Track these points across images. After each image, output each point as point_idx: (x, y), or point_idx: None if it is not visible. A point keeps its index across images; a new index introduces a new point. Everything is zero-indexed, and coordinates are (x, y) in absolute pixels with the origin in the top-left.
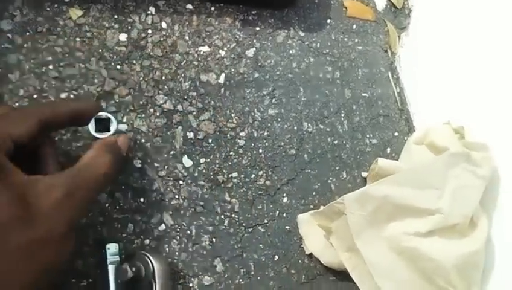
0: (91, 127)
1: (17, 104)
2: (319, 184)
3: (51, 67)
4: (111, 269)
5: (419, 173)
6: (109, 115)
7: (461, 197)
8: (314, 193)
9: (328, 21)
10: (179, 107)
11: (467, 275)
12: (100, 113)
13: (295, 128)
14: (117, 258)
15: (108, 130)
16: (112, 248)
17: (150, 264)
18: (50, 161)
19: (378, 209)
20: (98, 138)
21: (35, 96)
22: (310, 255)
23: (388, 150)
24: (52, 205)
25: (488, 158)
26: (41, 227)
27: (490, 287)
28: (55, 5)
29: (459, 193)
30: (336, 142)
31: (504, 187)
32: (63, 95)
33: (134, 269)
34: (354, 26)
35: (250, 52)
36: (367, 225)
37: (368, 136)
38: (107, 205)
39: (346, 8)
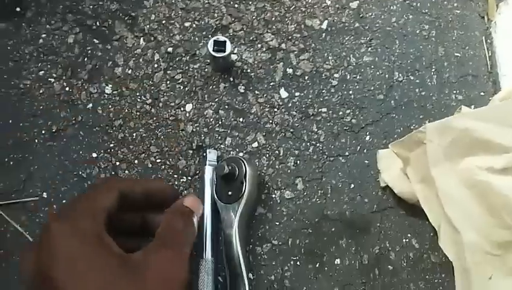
0: (210, 46)
1: (148, 26)
2: (401, 128)
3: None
4: (208, 169)
5: (500, 110)
6: (225, 39)
7: None
8: (396, 136)
9: None
10: (283, 45)
11: None
12: (218, 36)
13: (386, 76)
14: (214, 162)
15: (224, 52)
16: (212, 153)
17: (244, 168)
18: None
19: (457, 140)
20: (215, 57)
21: (163, 22)
22: (385, 188)
23: (473, 107)
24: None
25: None
26: None
27: None
28: None
29: None
30: (423, 93)
31: None
32: (187, 24)
33: (230, 167)
34: None
35: (354, 4)
36: (445, 155)
37: (454, 92)
38: (211, 119)
39: None
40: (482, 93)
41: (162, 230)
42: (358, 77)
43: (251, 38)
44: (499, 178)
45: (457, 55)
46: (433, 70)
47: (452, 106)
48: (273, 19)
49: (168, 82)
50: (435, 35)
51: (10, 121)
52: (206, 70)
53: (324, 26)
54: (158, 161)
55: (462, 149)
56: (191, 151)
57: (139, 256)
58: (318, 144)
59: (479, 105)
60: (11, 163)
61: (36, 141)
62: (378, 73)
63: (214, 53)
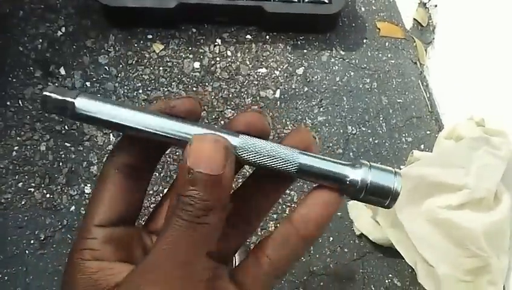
0: None
1: None
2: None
3: (140, 91)
4: None
5: (447, 155)
6: None
7: (484, 174)
8: None
9: (364, 41)
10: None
11: (495, 242)
12: None
13: (341, 131)
14: None
15: None
16: None
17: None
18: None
19: (416, 187)
20: None
21: None
22: (360, 236)
23: (422, 146)
24: None
25: (506, 143)
26: None
27: None
28: (141, 42)
29: (482, 171)
30: (376, 141)
31: None
32: None
33: None
34: (387, 44)
35: (300, 71)
36: (407, 201)
37: (403, 135)
38: None
39: (379, 29)
40: (428, 132)
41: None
42: (316, 137)
43: (213, 116)
44: (457, 213)
45: (400, 101)
46: (381, 118)
47: (404, 148)
48: (230, 95)
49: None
50: (377, 86)
51: None
52: (177, 154)
53: (277, 94)
54: None
55: (421, 193)
56: None
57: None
58: (293, 205)
59: (427, 143)
60: (6, 278)
61: (27, 252)
62: (333, 129)
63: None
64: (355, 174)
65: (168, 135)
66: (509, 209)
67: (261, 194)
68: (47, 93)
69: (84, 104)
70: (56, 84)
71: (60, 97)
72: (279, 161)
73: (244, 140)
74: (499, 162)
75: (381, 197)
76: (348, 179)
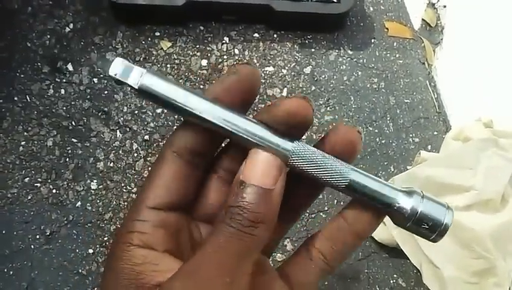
0: None
1: (122, 118)
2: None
3: None
4: None
5: (454, 155)
6: None
7: (492, 176)
8: None
9: (372, 40)
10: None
11: (502, 244)
12: None
13: None
14: None
15: None
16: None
17: None
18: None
19: (422, 187)
20: None
21: (136, 112)
22: None
23: (429, 147)
24: None
25: None
26: None
27: None
28: (149, 39)
29: (490, 172)
30: (383, 141)
31: None
32: (159, 110)
33: None
34: (395, 44)
35: (308, 70)
36: None
37: (411, 135)
38: None
39: (387, 28)
40: (435, 133)
41: None
42: (323, 135)
43: None
44: (464, 214)
45: (407, 102)
46: (388, 119)
47: (411, 149)
48: None
49: (149, 168)
50: (384, 86)
51: (4, 232)
52: None
53: (284, 93)
54: None
55: (429, 193)
56: None
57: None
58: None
59: (434, 144)
60: (11, 273)
61: (32, 246)
62: None
63: None
64: (405, 202)
65: (232, 130)
66: None
67: (304, 187)
68: (120, 58)
69: (151, 80)
70: (64, 80)
71: (131, 65)
72: (330, 173)
73: (298, 146)
74: (507, 163)
75: (428, 229)
76: (397, 206)
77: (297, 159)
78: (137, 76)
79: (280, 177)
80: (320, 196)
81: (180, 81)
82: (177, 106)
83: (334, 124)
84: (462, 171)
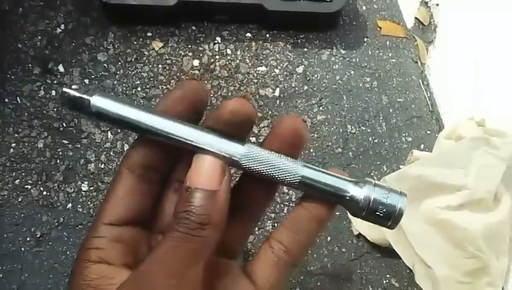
0: None
1: None
2: (363, 177)
3: (139, 89)
4: None
5: (446, 155)
6: None
7: (484, 175)
8: None
9: (365, 39)
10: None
11: (494, 243)
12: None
13: (340, 130)
14: None
15: None
16: None
17: None
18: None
19: (414, 187)
20: None
21: None
22: (358, 236)
23: (422, 146)
24: None
25: (506, 143)
26: None
27: None
28: (141, 39)
29: (482, 172)
30: (376, 141)
31: None
32: None
33: None
34: (388, 42)
35: (300, 69)
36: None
37: (403, 134)
38: None
39: (380, 27)
40: (428, 132)
41: None
42: (316, 135)
43: None
44: (457, 214)
45: (400, 101)
46: (381, 118)
47: (404, 148)
48: (229, 94)
49: None
50: (377, 85)
51: None
52: None
53: (277, 93)
54: None
55: (420, 194)
56: None
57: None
58: (291, 204)
59: (427, 144)
60: (1, 276)
61: (22, 249)
62: (332, 129)
63: None
64: (357, 192)
65: (182, 140)
66: (508, 211)
67: (261, 185)
68: (66, 90)
69: (100, 102)
70: (55, 81)
71: (77, 94)
72: (282, 172)
73: (248, 149)
74: (499, 162)
75: (383, 216)
76: (349, 195)
77: (248, 161)
78: (86, 103)
79: (224, 179)
80: None
81: (172, 81)
82: (125, 122)
83: (326, 124)
84: (454, 171)
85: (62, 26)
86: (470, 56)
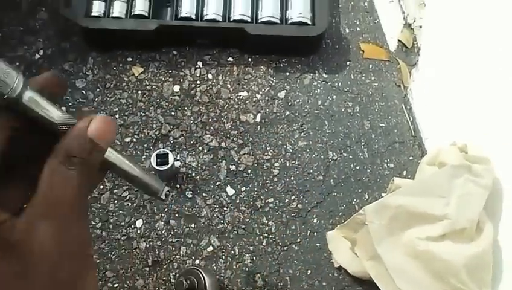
0: (153, 161)
1: None
2: (344, 205)
3: (117, 116)
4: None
5: (427, 183)
6: (167, 151)
7: (466, 204)
8: (340, 214)
9: (348, 63)
10: (223, 144)
11: (477, 275)
12: (160, 150)
13: (322, 157)
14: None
15: (167, 163)
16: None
17: (202, 278)
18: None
19: (394, 217)
20: (160, 170)
21: None
22: (339, 268)
23: (404, 172)
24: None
25: (489, 169)
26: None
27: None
28: (120, 64)
29: (464, 200)
30: (358, 167)
31: (506, 195)
32: (127, 139)
33: (189, 281)
34: (370, 66)
35: (282, 94)
36: (386, 232)
37: (385, 161)
38: (163, 231)
39: (363, 50)
40: (411, 158)
41: (41, 192)
42: (297, 162)
43: (191, 142)
44: (438, 245)
45: (382, 126)
46: (363, 144)
47: (386, 174)
48: (210, 120)
49: (115, 201)
50: (359, 110)
51: None
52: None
53: (258, 119)
54: (116, 285)
55: (401, 224)
56: (147, 269)
57: (22, 225)
58: (271, 236)
59: (410, 170)
60: None
61: None
62: (314, 155)
63: (157, 167)
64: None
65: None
66: (491, 239)
67: (31, 142)
68: None
69: None
70: None
71: None
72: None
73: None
74: (481, 190)
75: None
76: None
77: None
78: None
79: None
80: (293, 227)
81: (151, 108)
82: None
83: (307, 150)
84: (435, 200)
85: (41, 52)
86: (453, 79)
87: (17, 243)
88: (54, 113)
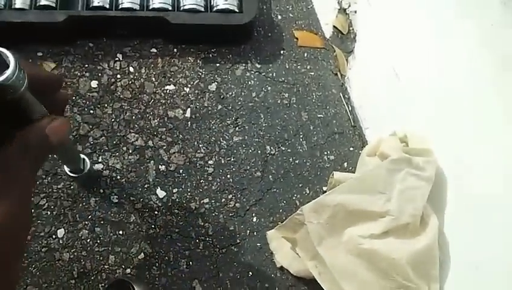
0: (66, 168)
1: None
2: (284, 202)
3: None
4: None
5: (366, 179)
6: (84, 157)
7: (408, 198)
8: (281, 211)
9: (282, 52)
10: (150, 143)
11: (424, 270)
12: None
13: (259, 152)
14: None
15: (83, 171)
16: None
17: (132, 289)
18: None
19: (333, 216)
20: (75, 177)
21: None
22: (281, 268)
23: (345, 164)
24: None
25: (431, 161)
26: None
27: (449, 282)
28: (30, 60)
29: (405, 195)
30: (297, 161)
31: (449, 186)
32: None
33: None
34: (305, 54)
35: (213, 87)
36: (326, 232)
37: (325, 153)
38: (88, 240)
39: (297, 38)
40: (351, 148)
41: None
42: (232, 159)
43: (114, 142)
44: (381, 242)
45: (320, 116)
46: (301, 136)
47: (326, 167)
48: (134, 117)
49: (32, 210)
50: (296, 101)
51: None
52: (72, 187)
53: (188, 114)
54: None
55: (341, 223)
56: (73, 281)
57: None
58: (208, 238)
59: (351, 161)
60: None
61: None
62: (250, 151)
63: (71, 174)
64: None
65: None
66: (436, 233)
67: None
68: None
69: None
70: None
71: None
72: None
73: None
74: (423, 183)
75: None
76: None
77: None
78: None
79: None
80: (231, 228)
81: (67, 107)
82: None
83: (243, 145)
84: (375, 196)
85: None
86: (391, 66)
87: None
88: (37, 109)
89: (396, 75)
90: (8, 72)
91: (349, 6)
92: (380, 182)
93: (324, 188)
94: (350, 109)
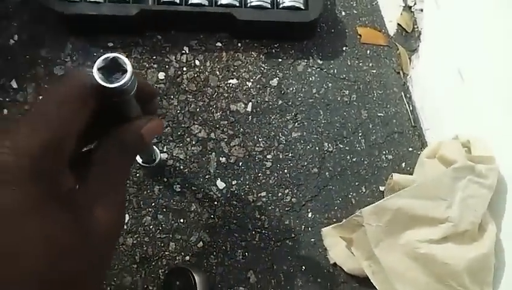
0: (139, 158)
1: None
2: (340, 199)
3: None
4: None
5: (429, 186)
6: (155, 148)
7: (468, 206)
8: (336, 208)
9: (344, 48)
10: (212, 135)
11: (479, 277)
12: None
13: (317, 148)
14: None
15: (154, 161)
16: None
17: (192, 278)
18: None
19: (393, 220)
20: (145, 167)
21: None
22: (334, 264)
23: (403, 164)
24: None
25: (493, 169)
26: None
27: (501, 288)
28: (101, 50)
29: (466, 203)
30: (354, 159)
31: (509, 194)
32: None
33: (178, 282)
34: (368, 52)
35: (274, 82)
36: (384, 234)
37: (384, 152)
38: (151, 226)
39: (360, 35)
40: (410, 149)
41: (96, 161)
42: (290, 154)
43: (179, 133)
44: (439, 247)
45: (381, 115)
46: (360, 134)
47: (384, 167)
48: (198, 109)
49: None
50: (356, 98)
51: None
52: (137, 175)
53: (249, 108)
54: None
55: (400, 226)
56: (135, 266)
57: (82, 194)
58: (264, 231)
59: (409, 161)
60: None
61: None
62: (308, 147)
63: (143, 164)
64: None
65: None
66: (493, 241)
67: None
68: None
69: None
70: (7, 99)
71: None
72: None
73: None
74: (485, 191)
75: None
76: None
77: None
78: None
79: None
80: (287, 222)
81: None
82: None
83: (302, 141)
84: (436, 203)
85: (15, 37)
86: (456, 68)
87: (81, 208)
88: (136, 113)
89: (461, 77)
90: (127, 76)
91: (415, 4)
92: (443, 189)
93: (381, 188)
94: (411, 108)
